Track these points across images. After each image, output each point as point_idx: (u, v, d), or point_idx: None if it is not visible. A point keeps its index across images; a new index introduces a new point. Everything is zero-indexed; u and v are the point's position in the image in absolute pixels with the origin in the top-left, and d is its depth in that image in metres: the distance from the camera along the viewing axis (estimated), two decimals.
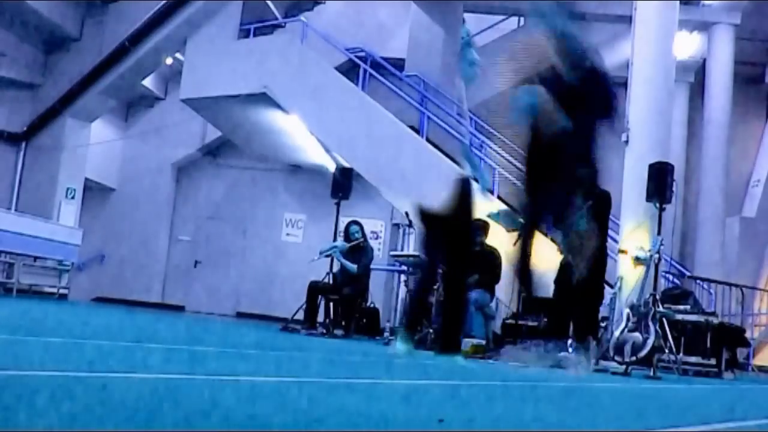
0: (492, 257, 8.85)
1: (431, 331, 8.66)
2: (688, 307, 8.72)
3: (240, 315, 16.10)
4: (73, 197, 15.22)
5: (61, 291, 13.99)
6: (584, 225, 7.10)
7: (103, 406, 1.98)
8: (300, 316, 9.69)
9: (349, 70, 13.20)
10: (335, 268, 9.84)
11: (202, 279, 16.83)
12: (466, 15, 14.24)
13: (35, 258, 13.40)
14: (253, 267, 16.56)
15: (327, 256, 9.82)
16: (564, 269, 7.36)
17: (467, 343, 7.48)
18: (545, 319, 8.76)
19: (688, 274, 12.56)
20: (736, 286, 11.25)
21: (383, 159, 11.88)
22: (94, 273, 16.82)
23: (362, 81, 12.51)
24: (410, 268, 9.98)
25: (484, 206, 9.50)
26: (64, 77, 15.12)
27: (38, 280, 13.68)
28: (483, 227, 8.89)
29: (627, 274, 8.51)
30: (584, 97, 4.70)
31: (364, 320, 10.43)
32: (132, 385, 2.59)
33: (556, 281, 7.41)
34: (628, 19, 9.89)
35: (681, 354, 7.76)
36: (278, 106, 12.73)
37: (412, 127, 11.84)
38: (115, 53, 14.49)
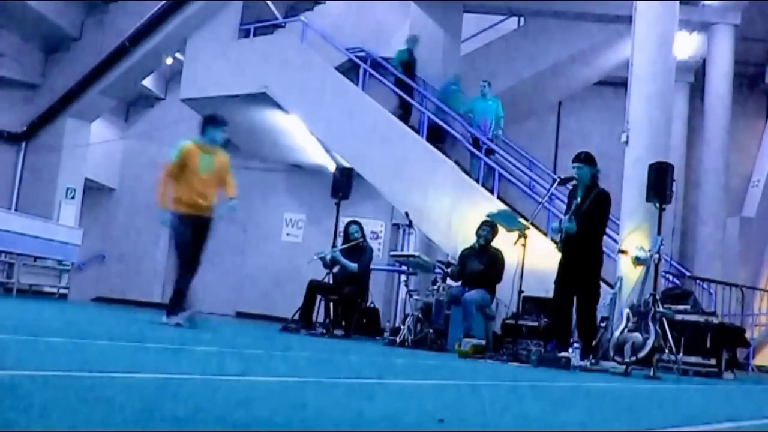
0: (495, 258, 8.85)
1: (431, 331, 8.67)
2: (688, 307, 8.71)
3: (240, 315, 16.10)
4: (73, 197, 15.21)
5: (61, 291, 13.99)
6: (574, 227, 7.12)
7: (103, 406, 1.98)
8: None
9: (349, 70, 13.18)
10: (335, 269, 9.84)
11: (202, 279, 16.77)
12: (465, 15, 14.26)
13: (35, 258, 13.39)
14: (253, 267, 16.54)
15: (322, 258, 9.81)
16: (563, 269, 7.37)
17: (467, 343, 7.49)
18: (545, 319, 8.77)
19: (688, 274, 12.55)
20: (736, 286, 11.24)
21: (383, 159, 11.86)
22: (94, 273, 16.81)
23: (362, 81, 12.50)
24: (410, 268, 9.99)
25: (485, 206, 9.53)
26: (64, 77, 15.11)
27: (38, 280, 13.68)
28: (493, 228, 8.90)
29: (627, 274, 8.50)
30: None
31: (364, 320, 10.43)
32: (131, 385, 2.59)
33: (556, 281, 7.42)
34: (628, 19, 9.89)
35: (681, 354, 7.75)
36: (278, 106, 12.71)
37: (412, 127, 11.83)
38: (115, 53, 14.48)
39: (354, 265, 9.60)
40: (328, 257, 9.80)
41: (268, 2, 14.18)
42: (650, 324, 6.78)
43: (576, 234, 7.14)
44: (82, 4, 15.49)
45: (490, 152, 11.74)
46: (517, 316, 8.29)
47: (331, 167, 12.70)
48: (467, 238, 9.49)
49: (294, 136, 13.79)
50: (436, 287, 9.03)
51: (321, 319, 9.75)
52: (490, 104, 12.38)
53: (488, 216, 8.73)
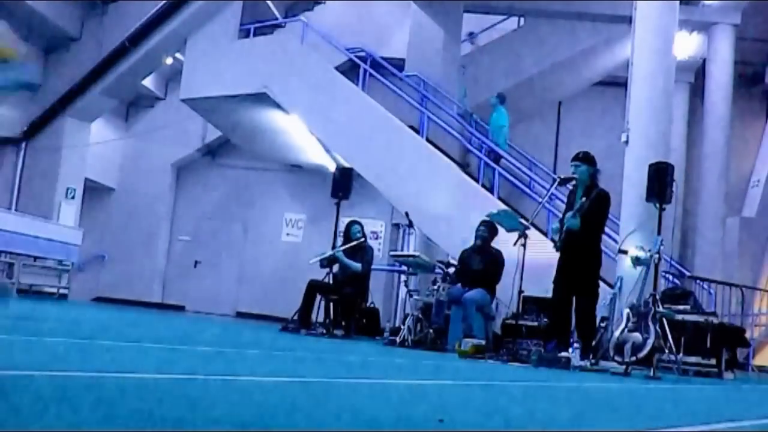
0: (495, 258, 8.85)
1: (431, 331, 8.67)
2: (688, 307, 8.71)
3: (240, 315, 16.10)
4: (73, 197, 15.21)
5: (61, 291, 13.98)
6: (578, 224, 7.12)
7: (103, 406, 1.98)
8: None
9: (349, 70, 13.18)
10: (335, 268, 9.84)
11: (202, 279, 16.82)
12: (465, 15, 14.26)
13: (35, 258, 13.39)
14: (253, 267, 16.55)
15: (324, 262, 9.80)
16: (563, 269, 7.37)
17: (467, 343, 7.49)
18: (545, 319, 8.77)
19: (688, 274, 12.54)
20: (736, 286, 11.23)
21: (383, 159, 11.87)
22: (94, 273, 16.82)
23: (362, 81, 12.49)
24: (410, 268, 9.99)
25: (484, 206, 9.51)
26: (64, 77, 15.11)
27: (38, 280, 13.67)
28: (491, 228, 8.89)
29: (627, 274, 8.50)
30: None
31: (364, 320, 10.43)
32: (131, 385, 2.59)
33: (556, 281, 7.41)
34: (628, 19, 9.89)
35: (681, 354, 7.74)
36: (278, 106, 12.72)
37: (412, 127, 11.83)
38: (115, 53, 14.49)
39: (358, 265, 9.60)
40: (326, 258, 9.78)
41: (268, 2, 14.20)
42: (650, 324, 6.78)
43: (576, 233, 7.13)
44: (82, 4, 15.49)
45: (489, 154, 11.79)
46: (517, 316, 8.29)
47: (331, 167, 12.70)
48: (467, 238, 9.48)
49: (294, 136, 13.80)
50: (436, 287, 9.03)
51: (321, 319, 9.76)
52: (495, 116, 12.50)
53: (488, 216, 8.72)
